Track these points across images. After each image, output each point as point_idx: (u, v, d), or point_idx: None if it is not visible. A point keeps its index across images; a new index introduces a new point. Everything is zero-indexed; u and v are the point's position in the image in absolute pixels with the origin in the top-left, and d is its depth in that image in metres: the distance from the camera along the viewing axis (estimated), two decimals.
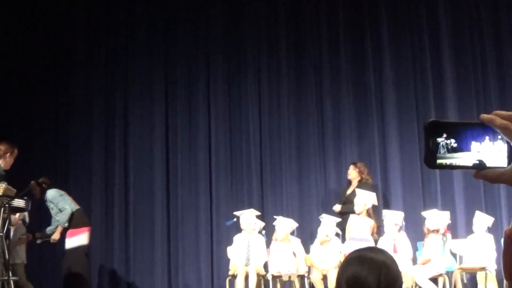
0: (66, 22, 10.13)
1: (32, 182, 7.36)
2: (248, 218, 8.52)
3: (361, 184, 8.78)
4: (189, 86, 9.96)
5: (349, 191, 8.84)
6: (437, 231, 8.17)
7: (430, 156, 1.03)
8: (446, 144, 1.02)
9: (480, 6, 9.64)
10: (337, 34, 9.81)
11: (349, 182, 8.97)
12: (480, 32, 9.61)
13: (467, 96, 9.49)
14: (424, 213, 8.40)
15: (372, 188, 8.85)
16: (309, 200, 9.55)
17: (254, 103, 9.82)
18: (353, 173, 8.92)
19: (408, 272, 7.85)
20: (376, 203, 8.56)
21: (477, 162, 1.02)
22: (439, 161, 1.02)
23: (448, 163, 1.03)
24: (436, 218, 8.25)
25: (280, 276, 8.25)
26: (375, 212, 8.53)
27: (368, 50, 9.75)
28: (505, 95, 9.40)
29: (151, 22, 10.12)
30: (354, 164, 9.02)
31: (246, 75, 9.88)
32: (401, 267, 7.91)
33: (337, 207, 8.80)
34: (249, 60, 9.91)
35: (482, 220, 8.23)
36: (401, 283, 2.08)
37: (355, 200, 8.45)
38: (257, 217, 8.63)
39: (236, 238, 8.54)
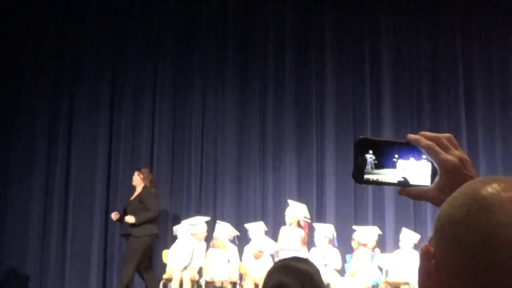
0: (16, 22, 10.02)
1: None
2: (204, 226, 8.58)
3: (145, 191, 8.68)
4: (135, 93, 9.99)
5: (132, 197, 8.77)
6: (366, 245, 8.50)
7: (358, 171, 1.05)
8: (373, 160, 1.05)
9: (421, 33, 10.15)
10: (283, 51, 10.11)
11: (134, 188, 8.90)
12: (418, 58, 10.13)
13: (403, 119, 9.97)
14: (355, 227, 8.72)
15: (155, 195, 8.78)
16: (247, 209, 9.75)
17: (198, 112, 9.98)
18: (137, 179, 8.82)
19: (336, 284, 8.11)
20: (308, 216, 8.73)
21: (402, 179, 1.05)
22: (366, 176, 1.04)
23: (374, 179, 1.05)
24: (366, 232, 8.58)
25: (212, 282, 8.35)
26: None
27: (312, 67, 10.10)
28: (437, 115, 9.94)
29: (101, 23, 10.15)
30: (139, 170, 8.93)
31: (192, 85, 10.03)
32: (330, 278, 8.05)
33: (130, 218, 8.40)
34: (196, 69, 10.07)
35: (408, 236, 8.60)
36: None
37: (286, 211, 8.63)
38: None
39: (180, 242, 8.56)
